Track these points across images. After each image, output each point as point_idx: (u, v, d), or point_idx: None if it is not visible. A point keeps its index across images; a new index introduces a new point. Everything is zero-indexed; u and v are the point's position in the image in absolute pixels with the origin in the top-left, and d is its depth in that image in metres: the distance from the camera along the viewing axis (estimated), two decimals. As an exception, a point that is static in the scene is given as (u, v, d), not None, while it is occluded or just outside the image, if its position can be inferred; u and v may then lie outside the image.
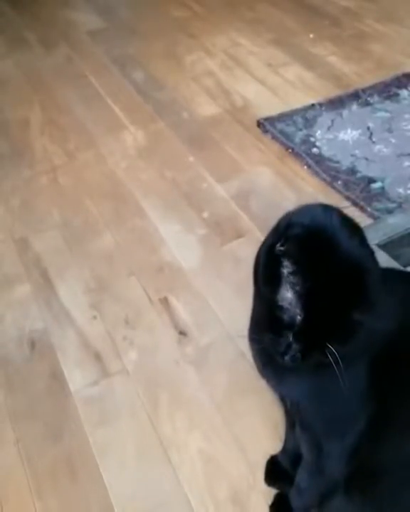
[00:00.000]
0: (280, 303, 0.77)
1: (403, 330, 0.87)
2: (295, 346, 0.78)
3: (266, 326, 0.82)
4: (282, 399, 1.05)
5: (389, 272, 1.03)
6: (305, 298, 0.76)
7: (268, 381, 0.97)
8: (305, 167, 2.01)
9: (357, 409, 0.88)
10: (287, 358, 0.80)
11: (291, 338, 0.78)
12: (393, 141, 2.08)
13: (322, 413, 0.92)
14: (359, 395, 0.87)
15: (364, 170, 1.96)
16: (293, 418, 1.07)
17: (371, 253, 0.80)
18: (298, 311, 0.76)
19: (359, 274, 0.75)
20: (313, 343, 0.77)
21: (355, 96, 2.32)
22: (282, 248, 0.76)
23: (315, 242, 0.76)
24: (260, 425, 1.32)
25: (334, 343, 0.77)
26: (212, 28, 2.92)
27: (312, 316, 0.76)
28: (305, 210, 0.82)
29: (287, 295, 0.77)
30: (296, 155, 2.06)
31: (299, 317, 0.76)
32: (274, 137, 2.15)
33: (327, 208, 0.81)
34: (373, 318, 0.75)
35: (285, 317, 0.77)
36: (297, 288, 0.75)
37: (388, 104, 2.26)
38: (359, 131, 2.14)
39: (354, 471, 0.93)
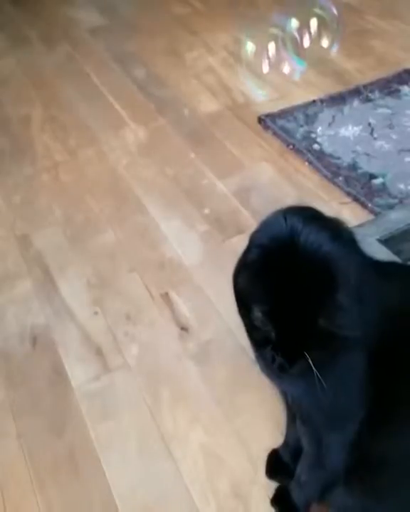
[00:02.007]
0: (255, 322, 0.81)
1: (402, 321, 0.87)
2: (278, 358, 0.81)
3: (251, 341, 0.86)
4: (284, 394, 1.05)
5: (389, 265, 1.03)
6: (272, 317, 0.78)
7: (270, 379, 0.98)
8: (306, 163, 2.01)
9: (356, 401, 0.88)
10: (275, 367, 0.83)
11: (273, 352, 0.81)
12: (394, 137, 2.08)
13: (321, 407, 0.93)
14: (358, 387, 0.88)
15: (365, 166, 1.96)
16: (294, 412, 1.08)
17: (344, 247, 0.79)
18: (270, 328, 0.79)
19: (326, 276, 0.76)
20: (294, 354, 0.80)
21: (356, 92, 2.32)
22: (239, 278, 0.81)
23: (273, 261, 0.77)
24: (261, 419, 1.32)
25: (313, 351, 0.79)
26: (213, 24, 2.92)
27: (284, 331, 0.79)
28: (267, 225, 0.83)
29: (257, 315, 0.80)
30: (297, 151, 2.06)
31: (272, 334, 0.79)
32: (275, 133, 2.15)
33: (288, 215, 0.80)
34: (345, 322, 0.76)
35: (262, 334, 0.81)
36: (262, 309, 0.78)
37: (389, 101, 2.26)
38: (360, 127, 2.14)
39: (355, 463, 0.94)
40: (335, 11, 0.73)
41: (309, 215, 0.81)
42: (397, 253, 1.37)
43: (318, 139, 2.10)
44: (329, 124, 2.17)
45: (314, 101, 2.29)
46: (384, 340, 0.86)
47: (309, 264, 0.76)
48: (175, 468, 1.27)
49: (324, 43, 0.66)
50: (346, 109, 2.24)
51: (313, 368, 0.78)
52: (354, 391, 0.88)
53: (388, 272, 0.94)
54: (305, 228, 0.77)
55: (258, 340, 0.83)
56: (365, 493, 0.98)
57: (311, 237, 0.76)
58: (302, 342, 0.78)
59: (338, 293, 0.75)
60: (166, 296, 1.63)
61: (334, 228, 0.81)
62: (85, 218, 1.91)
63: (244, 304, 0.83)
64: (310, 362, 0.78)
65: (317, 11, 0.73)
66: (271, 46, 0.75)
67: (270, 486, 1.20)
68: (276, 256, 0.78)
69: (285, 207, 0.83)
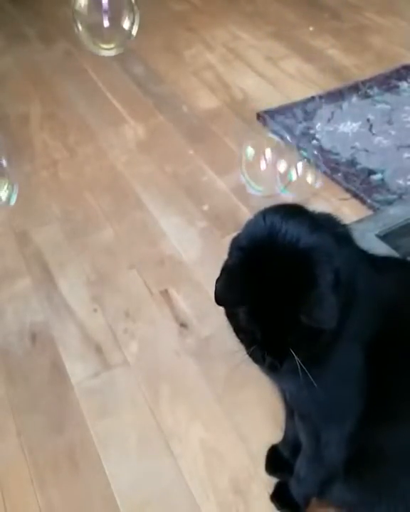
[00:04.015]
0: (241, 323, 0.82)
1: (398, 314, 0.87)
2: (267, 358, 0.82)
3: (240, 342, 0.86)
4: (282, 390, 1.05)
5: (384, 259, 1.04)
6: (254, 316, 0.79)
7: (269, 377, 0.98)
8: (305, 159, 2.01)
9: (354, 395, 0.89)
10: (266, 366, 0.84)
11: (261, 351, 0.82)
12: (393, 132, 2.08)
13: (319, 402, 0.93)
14: (355, 381, 0.88)
15: (364, 162, 1.96)
16: (292, 407, 1.08)
17: (324, 239, 0.79)
18: (255, 328, 0.80)
19: (304, 270, 0.76)
20: (281, 352, 0.80)
21: (355, 88, 2.31)
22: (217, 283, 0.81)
23: (252, 262, 0.78)
24: (260, 415, 1.32)
25: (300, 347, 0.79)
26: (211, 21, 2.92)
27: (267, 330, 0.79)
28: (248, 226, 0.84)
29: (242, 316, 0.81)
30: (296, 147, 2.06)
31: (258, 333, 0.80)
32: (274, 130, 2.15)
33: (268, 213, 0.81)
34: (324, 316, 0.77)
35: (249, 334, 0.82)
36: (245, 310, 0.80)
37: (388, 97, 2.26)
38: (359, 123, 2.14)
39: (353, 458, 0.94)
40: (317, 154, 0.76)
41: (290, 211, 0.81)
42: (396, 248, 1.37)
43: (317, 135, 2.10)
44: (328, 120, 2.17)
45: (312, 97, 2.29)
46: (380, 333, 0.86)
47: (288, 260, 0.76)
48: (175, 465, 1.27)
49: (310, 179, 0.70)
50: (345, 105, 2.24)
51: (300, 366, 0.78)
52: (351, 385, 0.88)
53: (383, 266, 0.94)
54: (284, 225, 0.78)
55: (246, 340, 0.84)
56: (364, 488, 0.98)
57: (289, 232, 0.77)
58: (287, 339, 0.79)
59: (316, 287, 0.75)
60: (165, 293, 1.63)
61: (316, 222, 0.81)
62: (84, 215, 1.91)
63: (228, 307, 0.84)
64: (296, 359, 0.78)
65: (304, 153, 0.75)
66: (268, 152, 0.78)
67: (270, 482, 1.20)
68: (255, 257, 0.78)
69: (262, 209, 0.84)
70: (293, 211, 0.82)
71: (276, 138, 0.78)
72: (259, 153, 0.78)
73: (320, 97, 2.28)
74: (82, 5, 0.71)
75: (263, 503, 1.18)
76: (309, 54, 2.59)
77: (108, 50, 0.78)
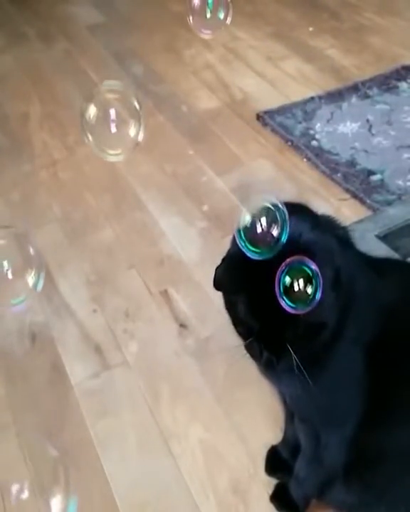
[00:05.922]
0: (239, 315, 0.82)
1: (399, 315, 0.87)
2: (265, 353, 0.82)
3: (238, 335, 0.86)
4: (281, 393, 1.05)
5: (384, 261, 1.04)
6: (252, 308, 0.80)
7: (268, 379, 0.98)
8: (305, 160, 2.01)
9: (354, 397, 0.89)
10: (263, 362, 0.84)
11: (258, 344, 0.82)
12: (392, 133, 2.08)
13: (318, 405, 0.93)
14: (355, 382, 0.88)
15: (364, 162, 1.96)
16: (292, 409, 1.08)
17: (324, 236, 0.80)
18: (253, 320, 0.80)
19: None
20: (278, 346, 0.80)
21: (354, 88, 2.32)
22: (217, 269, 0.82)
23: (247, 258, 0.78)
24: (260, 416, 1.32)
25: (296, 345, 0.79)
26: (211, 21, 2.91)
27: (266, 322, 0.79)
28: None
29: (241, 307, 0.81)
30: (295, 148, 2.06)
31: (256, 326, 0.80)
32: (273, 130, 2.15)
33: None
34: (322, 311, 0.77)
35: (247, 327, 0.82)
36: (243, 300, 0.80)
37: (387, 97, 2.26)
38: (359, 123, 2.14)
39: (353, 459, 0.94)
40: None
41: (294, 208, 0.81)
42: (395, 249, 1.37)
43: (317, 136, 2.10)
44: (328, 121, 2.17)
45: (312, 97, 2.29)
46: (380, 335, 0.86)
47: (288, 253, 0.76)
48: (174, 465, 1.27)
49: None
50: (344, 105, 2.24)
51: (297, 364, 0.78)
52: (351, 388, 0.88)
53: (383, 268, 0.94)
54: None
55: (244, 333, 0.84)
56: (364, 489, 0.98)
57: (292, 227, 0.77)
58: (285, 334, 0.79)
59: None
60: (165, 293, 1.63)
61: (318, 221, 0.81)
62: (83, 215, 1.91)
63: (226, 296, 0.84)
64: (294, 356, 0.78)
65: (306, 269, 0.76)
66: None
67: (270, 482, 1.20)
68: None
69: None
70: (297, 208, 0.82)
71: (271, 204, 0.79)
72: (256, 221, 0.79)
73: (320, 97, 2.28)
74: (91, 116, 0.75)
75: (263, 504, 1.18)
76: (308, 54, 2.59)
77: (115, 156, 0.81)
